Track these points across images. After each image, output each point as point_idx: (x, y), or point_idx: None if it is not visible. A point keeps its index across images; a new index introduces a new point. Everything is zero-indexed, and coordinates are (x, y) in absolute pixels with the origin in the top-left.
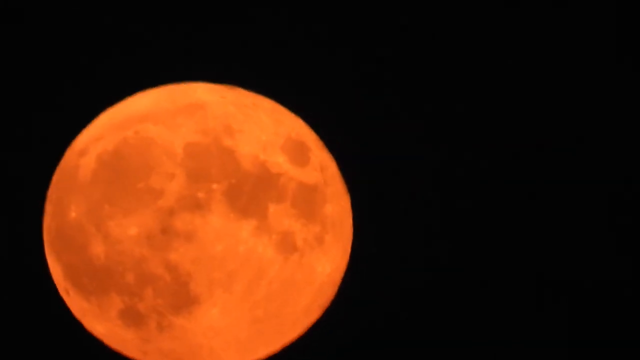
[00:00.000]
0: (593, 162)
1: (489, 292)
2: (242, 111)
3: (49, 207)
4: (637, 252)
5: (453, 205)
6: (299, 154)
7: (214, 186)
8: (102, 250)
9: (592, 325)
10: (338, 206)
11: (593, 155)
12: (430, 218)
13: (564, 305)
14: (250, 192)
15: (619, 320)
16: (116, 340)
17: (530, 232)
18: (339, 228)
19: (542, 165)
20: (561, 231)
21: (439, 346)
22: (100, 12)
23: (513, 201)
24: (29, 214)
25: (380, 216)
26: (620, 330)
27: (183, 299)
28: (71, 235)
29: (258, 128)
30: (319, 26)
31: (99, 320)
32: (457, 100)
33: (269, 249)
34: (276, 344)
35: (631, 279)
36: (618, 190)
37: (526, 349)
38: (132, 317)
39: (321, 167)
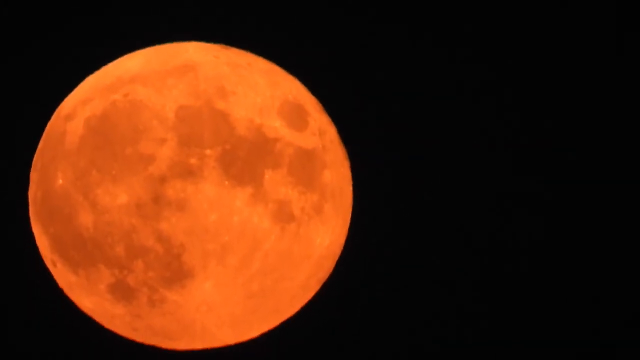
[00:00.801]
0: (593, 162)
1: (489, 261)
2: (236, 72)
3: (34, 175)
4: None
5: (460, 174)
6: (296, 118)
7: (207, 152)
8: (90, 220)
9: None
10: (337, 173)
11: (593, 156)
12: (437, 189)
13: (562, 303)
14: (245, 158)
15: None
16: (105, 316)
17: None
18: (338, 196)
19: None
20: (560, 231)
21: (439, 319)
22: None
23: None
24: (14, 182)
25: (382, 184)
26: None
27: (175, 271)
28: (58, 205)
29: (253, 90)
30: None
31: (87, 294)
32: (461, 61)
33: (264, 219)
34: (272, 321)
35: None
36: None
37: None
38: (122, 291)
39: (320, 132)
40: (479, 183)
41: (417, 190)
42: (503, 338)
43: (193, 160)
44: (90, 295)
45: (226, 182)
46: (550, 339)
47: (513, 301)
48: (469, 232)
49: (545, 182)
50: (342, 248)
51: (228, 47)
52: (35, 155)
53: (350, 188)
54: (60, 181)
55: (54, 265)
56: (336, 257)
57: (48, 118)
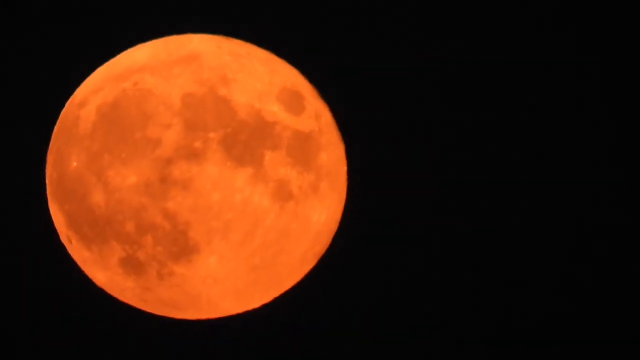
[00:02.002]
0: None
1: (484, 246)
2: (237, 61)
3: (50, 158)
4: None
5: (452, 154)
6: (294, 103)
7: (211, 135)
8: (102, 198)
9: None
10: (333, 154)
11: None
12: (426, 167)
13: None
14: (246, 140)
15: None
16: (117, 289)
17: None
18: (333, 176)
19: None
20: (557, 231)
21: (435, 294)
22: None
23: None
24: (32, 165)
25: (375, 164)
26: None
27: (182, 247)
28: (72, 185)
29: (253, 78)
30: None
31: (100, 268)
32: (456, 50)
33: (265, 198)
34: (273, 292)
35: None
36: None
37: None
38: (132, 265)
39: (316, 116)
40: (470, 161)
41: (407, 170)
42: (498, 311)
43: (197, 143)
44: (103, 270)
45: (228, 163)
46: (549, 336)
47: (505, 279)
48: (458, 209)
49: (540, 179)
50: (337, 224)
51: (230, 38)
52: (51, 140)
53: (345, 168)
54: (75, 163)
55: (70, 241)
56: (332, 233)
57: (62, 106)
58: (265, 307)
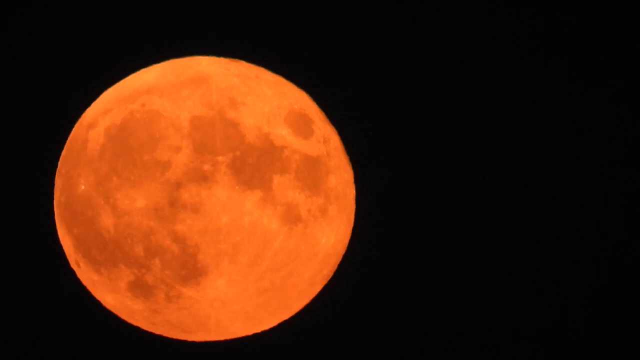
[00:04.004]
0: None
1: (490, 260)
2: (245, 84)
3: (58, 181)
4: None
5: (456, 178)
6: (302, 126)
7: (220, 158)
8: (111, 222)
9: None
10: (341, 178)
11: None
12: (435, 192)
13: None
14: (255, 164)
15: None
16: (126, 311)
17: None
18: (342, 199)
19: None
20: (554, 229)
21: (442, 315)
22: None
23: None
24: (40, 187)
25: (383, 188)
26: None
27: (190, 270)
28: (80, 208)
29: (261, 100)
30: (322, 1)
31: (109, 291)
32: (460, 72)
33: (273, 220)
34: (281, 315)
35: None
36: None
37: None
38: (141, 289)
39: (324, 139)
40: (476, 185)
41: (414, 194)
42: (505, 330)
43: (206, 167)
44: (111, 293)
45: (237, 187)
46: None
47: (514, 295)
48: (465, 231)
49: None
50: (346, 247)
51: (238, 60)
52: (59, 162)
53: (353, 192)
54: (83, 186)
55: (78, 265)
56: (340, 255)
57: (71, 128)
58: (274, 330)
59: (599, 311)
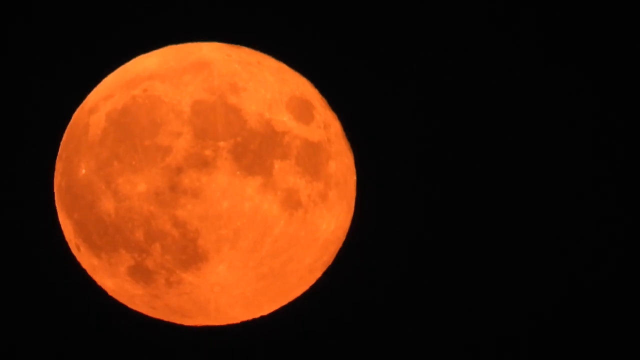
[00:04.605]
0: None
1: (489, 248)
2: (247, 70)
3: (59, 166)
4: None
5: (457, 163)
6: (303, 112)
7: (221, 144)
8: (112, 207)
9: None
10: (342, 164)
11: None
12: (435, 177)
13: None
14: (256, 150)
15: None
16: (126, 296)
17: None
18: (342, 185)
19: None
20: (552, 228)
21: (441, 302)
22: None
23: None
24: (41, 172)
25: (383, 174)
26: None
27: (191, 255)
28: (81, 193)
29: (263, 86)
30: None
31: (109, 276)
32: (462, 58)
33: (274, 206)
34: (281, 301)
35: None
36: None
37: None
38: (141, 273)
39: (325, 125)
40: (477, 170)
41: (416, 179)
42: (504, 313)
43: (207, 152)
44: (111, 277)
45: (238, 172)
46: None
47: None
48: (465, 217)
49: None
50: (346, 233)
51: (239, 46)
52: (60, 147)
53: (354, 177)
54: (84, 171)
55: (78, 249)
56: (341, 242)
57: (72, 113)
58: (274, 316)
59: (596, 311)
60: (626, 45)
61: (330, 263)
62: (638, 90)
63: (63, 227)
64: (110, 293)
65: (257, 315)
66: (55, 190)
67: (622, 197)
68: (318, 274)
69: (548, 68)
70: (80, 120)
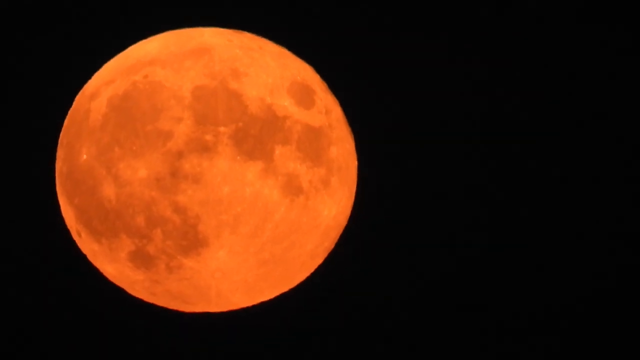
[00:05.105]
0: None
1: (493, 231)
2: (248, 55)
3: (60, 151)
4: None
5: (460, 150)
6: (304, 97)
7: (221, 129)
8: (113, 192)
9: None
10: (343, 149)
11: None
12: (437, 162)
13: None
14: (257, 135)
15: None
16: (126, 282)
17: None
18: (344, 171)
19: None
20: (551, 225)
21: (444, 288)
22: None
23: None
24: (42, 158)
25: (385, 159)
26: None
27: (191, 240)
28: (82, 178)
29: (264, 71)
30: None
31: (109, 261)
32: (465, 43)
33: (275, 192)
34: (283, 287)
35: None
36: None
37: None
38: (142, 259)
39: (326, 110)
40: (480, 156)
41: (417, 165)
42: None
43: (208, 137)
44: (112, 263)
45: (239, 157)
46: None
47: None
48: (468, 204)
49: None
50: (347, 218)
51: (241, 31)
52: (61, 133)
53: (355, 163)
54: (85, 156)
55: (79, 235)
56: (342, 227)
57: (73, 98)
58: (275, 302)
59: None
60: None
61: (331, 249)
62: None
63: (64, 213)
64: (110, 279)
65: (258, 301)
66: (56, 176)
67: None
68: (319, 259)
69: (547, 69)
70: (81, 105)
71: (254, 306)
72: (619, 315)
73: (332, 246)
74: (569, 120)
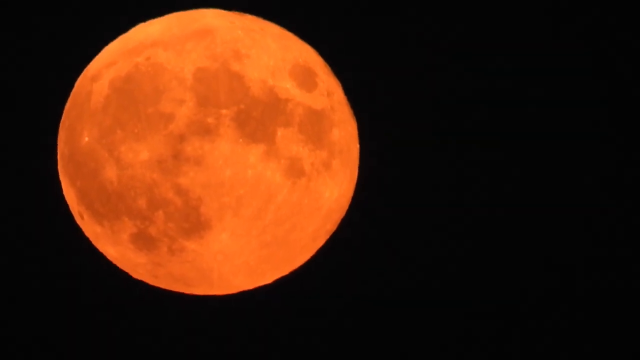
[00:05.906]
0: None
1: (491, 223)
2: (250, 36)
3: (62, 134)
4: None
5: (463, 133)
6: (306, 79)
7: (223, 111)
8: (115, 174)
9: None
10: (345, 131)
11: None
12: (439, 145)
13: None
14: (259, 117)
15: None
16: (128, 264)
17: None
18: (346, 153)
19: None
20: (551, 225)
21: (445, 272)
22: None
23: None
24: (43, 140)
25: (387, 142)
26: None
27: (193, 223)
28: (84, 161)
29: (266, 53)
30: None
31: (111, 243)
32: (467, 20)
33: (277, 174)
34: (284, 269)
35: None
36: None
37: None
38: (143, 241)
39: (328, 93)
40: (484, 141)
41: (419, 148)
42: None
43: (210, 119)
44: (114, 245)
45: (241, 140)
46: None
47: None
48: (470, 189)
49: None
50: (349, 201)
51: (243, 14)
52: (63, 115)
53: (357, 145)
54: (86, 138)
55: (81, 217)
56: (344, 210)
57: (75, 80)
58: (277, 284)
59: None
60: None
61: (333, 231)
62: None
63: (66, 196)
64: (113, 261)
65: (260, 283)
66: (58, 159)
67: None
68: (321, 242)
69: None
70: (83, 88)
71: (255, 288)
72: (619, 315)
73: (334, 229)
74: (570, 120)
